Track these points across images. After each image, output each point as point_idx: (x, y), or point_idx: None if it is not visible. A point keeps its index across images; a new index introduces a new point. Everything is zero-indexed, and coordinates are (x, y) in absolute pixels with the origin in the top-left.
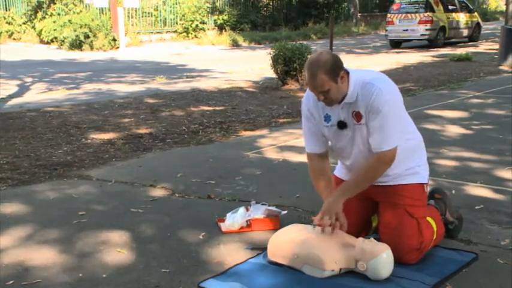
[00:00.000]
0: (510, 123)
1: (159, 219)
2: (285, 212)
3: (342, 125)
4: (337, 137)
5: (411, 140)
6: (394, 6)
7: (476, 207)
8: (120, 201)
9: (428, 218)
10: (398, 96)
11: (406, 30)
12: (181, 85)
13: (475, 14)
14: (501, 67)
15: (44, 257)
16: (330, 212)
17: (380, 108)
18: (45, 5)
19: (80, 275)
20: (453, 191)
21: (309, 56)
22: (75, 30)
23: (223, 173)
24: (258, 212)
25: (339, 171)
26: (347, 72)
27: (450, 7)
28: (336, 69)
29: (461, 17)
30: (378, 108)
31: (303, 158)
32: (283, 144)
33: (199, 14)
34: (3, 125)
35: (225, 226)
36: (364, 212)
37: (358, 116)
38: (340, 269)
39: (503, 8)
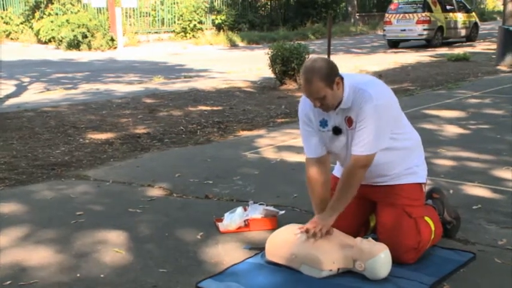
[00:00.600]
0: (507, 123)
1: (157, 219)
2: (283, 212)
3: (336, 131)
4: (333, 142)
5: (409, 140)
6: (392, 6)
7: (474, 207)
8: (117, 201)
9: (426, 218)
10: (390, 101)
11: (404, 30)
12: (179, 85)
13: (473, 14)
14: (499, 67)
15: (41, 257)
16: (318, 226)
17: (366, 114)
18: (42, 5)
19: (78, 275)
20: (451, 191)
21: (307, 56)
22: (73, 30)
23: (221, 173)
24: (255, 212)
25: (338, 171)
26: (342, 78)
27: (448, 7)
28: (332, 76)
29: (459, 17)
30: (365, 113)
31: (300, 158)
32: (281, 144)
33: (197, 14)
34: (0, 125)
35: (223, 226)
36: (362, 212)
37: (350, 121)
38: (338, 269)
39: (501, 8)
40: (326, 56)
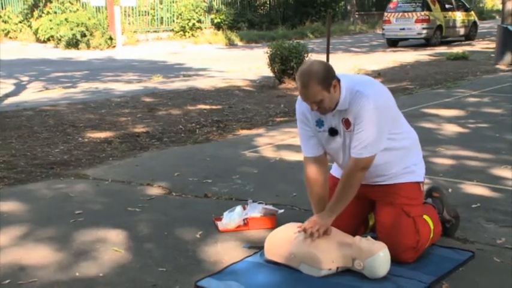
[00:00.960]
0: (506, 122)
1: (156, 218)
2: (282, 210)
3: (332, 132)
4: (329, 143)
5: (407, 139)
6: (391, 5)
7: (473, 206)
8: (116, 200)
9: (425, 217)
10: (388, 101)
11: (403, 29)
12: (178, 84)
13: (472, 12)
14: (497, 66)
15: (40, 256)
16: (316, 226)
17: (364, 116)
18: (41, 4)
19: (77, 274)
20: (450, 190)
21: (306, 55)
22: (71, 29)
23: (220, 171)
24: (254, 210)
25: (335, 170)
26: (338, 80)
27: (447, 6)
28: (329, 79)
29: (458, 16)
30: (362, 115)
31: (299, 157)
32: (280, 143)
33: (196, 12)
34: None
35: (222, 225)
36: (360, 212)
37: (347, 123)
38: (337, 268)
39: (500, 6)
40: (325, 55)
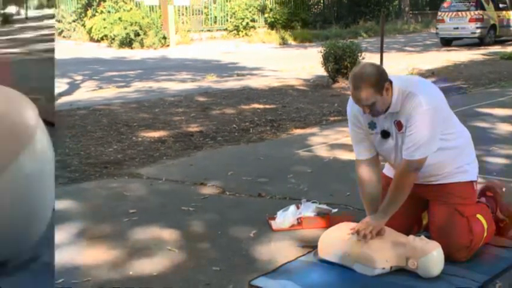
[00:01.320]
0: None
1: (209, 218)
2: (336, 210)
3: (385, 135)
4: (381, 145)
5: (459, 138)
6: (445, 4)
7: None
8: (170, 199)
9: (479, 216)
10: (440, 103)
11: (457, 28)
12: (232, 83)
13: None
14: None
15: (94, 254)
16: (369, 227)
17: (417, 118)
18: (95, 3)
19: (130, 272)
20: (504, 189)
21: (359, 55)
22: (125, 28)
23: (274, 171)
24: (308, 210)
25: (388, 170)
26: (391, 83)
27: (501, 5)
28: (381, 82)
29: None
30: (415, 117)
31: (353, 156)
32: (334, 142)
33: (250, 12)
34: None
35: (275, 224)
36: (413, 212)
37: (399, 125)
38: (391, 267)
39: None
40: (379, 54)
